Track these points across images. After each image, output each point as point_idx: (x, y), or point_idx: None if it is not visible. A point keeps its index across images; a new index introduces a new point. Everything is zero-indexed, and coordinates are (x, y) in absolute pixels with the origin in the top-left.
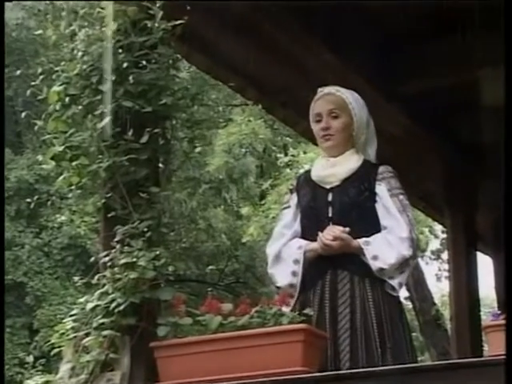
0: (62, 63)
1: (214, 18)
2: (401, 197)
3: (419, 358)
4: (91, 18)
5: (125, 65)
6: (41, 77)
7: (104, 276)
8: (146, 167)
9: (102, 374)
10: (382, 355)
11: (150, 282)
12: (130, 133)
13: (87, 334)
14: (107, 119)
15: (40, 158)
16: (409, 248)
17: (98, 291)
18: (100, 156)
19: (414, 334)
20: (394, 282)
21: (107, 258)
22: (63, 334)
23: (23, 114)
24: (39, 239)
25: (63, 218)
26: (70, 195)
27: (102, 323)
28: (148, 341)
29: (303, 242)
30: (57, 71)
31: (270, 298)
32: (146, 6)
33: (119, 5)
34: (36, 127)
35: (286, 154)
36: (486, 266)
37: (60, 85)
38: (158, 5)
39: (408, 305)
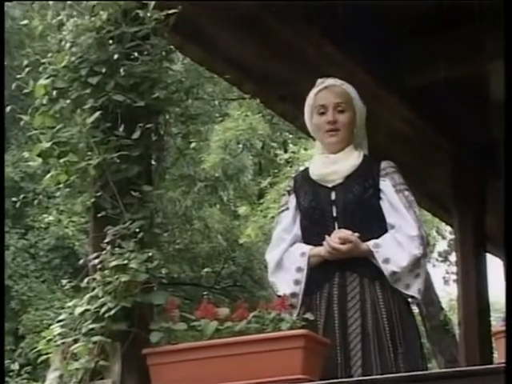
0: (49, 55)
1: (209, 7)
2: (406, 192)
3: None
4: (80, 7)
5: (115, 56)
6: (27, 69)
7: (94, 279)
8: (137, 164)
9: (91, 383)
10: (395, 361)
11: (142, 286)
12: (121, 128)
13: (76, 341)
14: (97, 114)
15: (26, 154)
16: (419, 246)
17: (88, 295)
18: (89, 153)
19: None
20: (413, 291)
21: (97, 260)
22: (50, 340)
23: (8, 109)
24: (25, 240)
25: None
26: (57, 194)
27: (92, 329)
28: (140, 347)
29: (306, 248)
30: (43, 63)
31: (269, 302)
32: None
33: None
34: (22, 122)
35: (285, 151)
36: (496, 269)
37: (47, 77)
38: None
39: (414, 309)
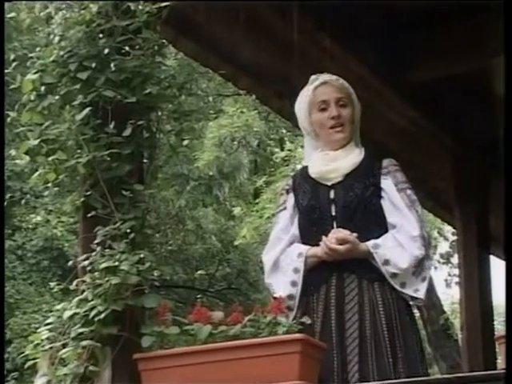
0: (37, 49)
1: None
2: (408, 191)
3: None
4: (69, 0)
5: (106, 51)
6: (14, 64)
7: (83, 281)
8: (129, 163)
9: None
10: (394, 365)
11: (134, 288)
12: (112, 125)
13: (64, 345)
14: (87, 110)
15: (13, 152)
16: (421, 247)
17: (77, 298)
18: (79, 150)
19: None
20: (421, 294)
21: (87, 262)
22: (38, 344)
23: None
24: (12, 241)
25: (38, 218)
26: (45, 193)
27: (81, 333)
28: (131, 352)
29: (303, 248)
30: (31, 57)
31: (264, 306)
32: None
33: None
34: (9, 119)
35: (282, 149)
36: (500, 271)
37: (35, 72)
38: None
39: (415, 313)
